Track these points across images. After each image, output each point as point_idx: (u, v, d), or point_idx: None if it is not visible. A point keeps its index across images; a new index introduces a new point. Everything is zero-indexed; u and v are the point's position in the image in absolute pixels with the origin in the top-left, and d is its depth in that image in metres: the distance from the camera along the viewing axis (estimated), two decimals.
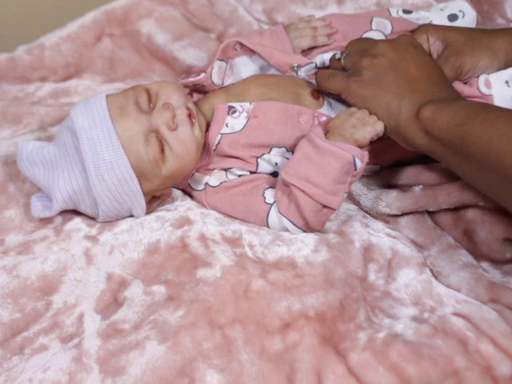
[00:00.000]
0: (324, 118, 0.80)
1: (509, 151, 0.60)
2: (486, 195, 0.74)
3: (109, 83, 1.03)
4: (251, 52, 0.85)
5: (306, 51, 0.89)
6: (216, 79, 0.83)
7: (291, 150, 0.79)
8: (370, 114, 0.74)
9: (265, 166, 0.80)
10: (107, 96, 0.76)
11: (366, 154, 0.73)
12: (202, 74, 0.82)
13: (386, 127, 0.73)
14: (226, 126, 0.79)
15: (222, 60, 0.84)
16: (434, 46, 0.81)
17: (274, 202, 0.77)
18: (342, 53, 0.79)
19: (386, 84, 0.73)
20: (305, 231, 0.76)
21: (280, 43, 0.86)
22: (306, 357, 0.63)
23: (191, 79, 0.83)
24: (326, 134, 0.74)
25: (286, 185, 0.74)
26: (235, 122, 0.79)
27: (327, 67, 0.83)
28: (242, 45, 0.84)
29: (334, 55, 0.80)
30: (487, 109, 0.66)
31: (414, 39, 0.79)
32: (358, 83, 0.74)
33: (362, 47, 0.78)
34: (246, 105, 0.80)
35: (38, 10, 1.28)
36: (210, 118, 0.81)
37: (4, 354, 0.65)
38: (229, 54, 0.85)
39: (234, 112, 0.80)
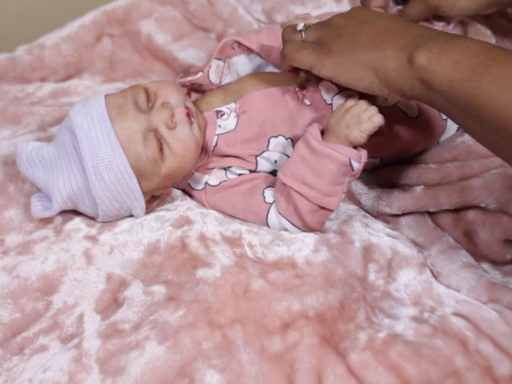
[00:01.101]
0: (305, 91, 0.79)
1: None
2: (488, 197, 0.74)
3: (109, 83, 1.03)
4: (249, 51, 0.85)
5: None
6: (214, 78, 0.83)
7: (289, 137, 0.79)
8: (352, 81, 0.68)
9: (264, 165, 0.80)
10: (106, 96, 0.76)
11: (363, 153, 0.72)
12: (200, 74, 0.82)
13: (375, 86, 0.67)
14: (220, 127, 0.80)
15: (219, 59, 0.84)
16: None
17: (274, 201, 0.77)
18: (304, 25, 0.74)
19: (360, 44, 0.67)
20: (304, 231, 0.76)
21: (277, 41, 0.86)
22: (306, 357, 0.63)
23: (189, 78, 0.83)
24: (323, 133, 0.74)
25: (284, 186, 0.74)
26: (227, 123, 0.80)
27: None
28: (239, 44, 0.84)
29: (294, 25, 0.75)
30: (496, 59, 0.57)
31: (367, 7, 0.75)
32: (331, 54, 0.69)
33: (320, 24, 0.74)
34: (232, 105, 0.81)
35: (38, 10, 1.28)
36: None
37: (4, 354, 0.65)
38: (227, 53, 0.85)
39: (223, 115, 0.80)
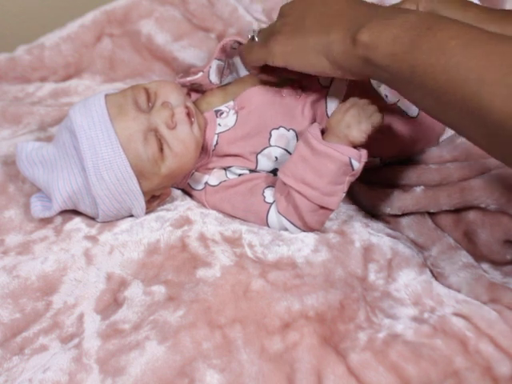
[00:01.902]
0: (303, 84, 0.79)
1: (469, 81, 0.52)
2: (488, 197, 0.74)
3: (109, 83, 1.03)
4: None
5: None
6: (214, 78, 0.83)
7: (290, 128, 0.79)
8: (306, 68, 0.69)
9: (265, 163, 0.80)
10: (106, 95, 0.76)
11: (363, 153, 0.72)
12: (200, 74, 0.82)
13: (329, 70, 0.67)
14: (219, 125, 0.80)
15: (219, 59, 0.84)
16: None
17: (274, 201, 0.77)
18: (254, 30, 0.75)
19: (306, 29, 0.67)
20: (304, 231, 0.76)
21: None
22: (306, 357, 0.63)
23: (188, 78, 0.83)
24: (323, 133, 0.74)
25: (284, 185, 0.74)
26: (227, 121, 0.80)
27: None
28: (239, 43, 0.84)
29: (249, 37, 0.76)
30: (433, 28, 0.57)
31: None
32: (278, 42, 0.69)
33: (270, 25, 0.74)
34: (230, 104, 0.81)
35: (38, 10, 1.28)
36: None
37: (4, 354, 0.65)
38: (227, 54, 0.85)
39: (222, 114, 0.80)
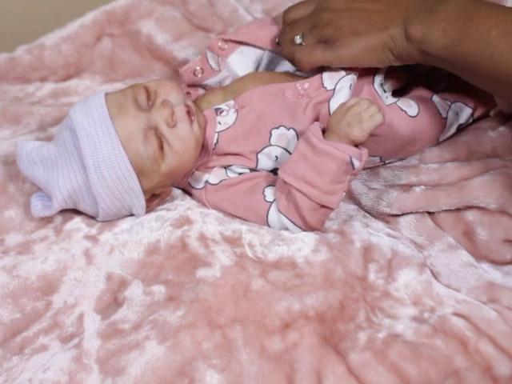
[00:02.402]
0: (307, 85, 0.79)
1: None
2: (488, 197, 0.74)
3: (109, 83, 1.03)
4: (239, 44, 0.86)
5: None
6: (213, 64, 0.84)
7: (290, 127, 0.78)
8: (374, 64, 0.75)
9: (265, 162, 0.80)
10: (106, 94, 0.76)
11: (364, 152, 0.72)
12: (199, 57, 0.83)
13: (393, 62, 0.73)
14: (219, 123, 0.80)
15: (211, 51, 0.85)
16: None
17: (274, 200, 0.77)
18: (300, 36, 0.78)
19: (365, 29, 0.73)
20: (304, 230, 0.76)
21: (267, 28, 0.86)
22: (306, 357, 0.63)
23: (189, 64, 0.84)
24: (324, 132, 0.74)
25: (285, 184, 0.74)
26: (227, 119, 0.80)
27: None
28: (226, 41, 0.85)
29: (290, 39, 0.79)
30: (474, 19, 0.65)
31: None
32: (342, 46, 0.74)
33: (310, 25, 0.78)
34: (231, 102, 0.81)
35: (38, 10, 1.28)
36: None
37: (4, 354, 0.65)
38: (220, 55, 0.85)
39: (222, 112, 0.80)
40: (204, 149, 0.80)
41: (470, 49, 0.65)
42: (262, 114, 0.79)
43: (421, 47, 0.69)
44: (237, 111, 0.80)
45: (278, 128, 0.79)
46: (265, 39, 0.85)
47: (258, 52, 0.87)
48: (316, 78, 0.79)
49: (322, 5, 0.77)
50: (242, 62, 0.86)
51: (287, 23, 0.82)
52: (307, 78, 0.81)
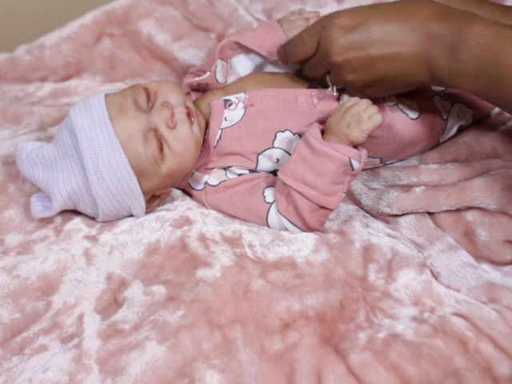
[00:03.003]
0: (322, 96, 0.79)
1: None
2: (488, 197, 0.74)
3: (109, 83, 1.03)
4: (248, 50, 0.85)
5: None
6: (220, 78, 0.83)
7: (296, 132, 0.78)
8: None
9: (265, 164, 0.80)
10: (106, 95, 0.76)
11: (363, 153, 0.72)
12: (208, 73, 0.82)
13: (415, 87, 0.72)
14: (225, 119, 0.80)
15: (222, 59, 0.84)
16: None
17: (274, 201, 0.77)
18: (332, 86, 0.77)
19: (383, 78, 0.71)
20: (304, 231, 0.76)
21: (275, 37, 0.86)
22: (306, 357, 0.63)
23: (196, 79, 0.83)
24: (324, 133, 0.74)
25: (284, 185, 0.74)
26: (233, 114, 0.80)
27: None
28: (238, 44, 0.84)
29: (327, 91, 0.78)
30: (503, 65, 0.61)
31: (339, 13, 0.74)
32: (374, 91, 0.73)
33: (320, 63, 0.74)
34: (241, 95, 0.80)
35: (38, 10, 1.28)
36: (209, 116, 0.81)
37: (4, 354, 0.65)
38: (226, 54, 0.85)
39: (231, 105, 0.80)
40: (205, 147, 0.80)
41: (505, 92, 0.62)
42: (269, 117, 0.79)
43: (451, 84, 0.67)
44: (245, 108, 0.80)
45: (283, 131, 0.79)
46: (271, 47, 0.84)
47: (264, 60, 0.87)
48: (333, 95, 0.79)
49: (327, 49, 0.71)
50: (245, 64, 0.86)
51: (292, 61, 0.79)
52: (308, 82, 0.82)
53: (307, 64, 0.77)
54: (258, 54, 0.85)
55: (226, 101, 0.80)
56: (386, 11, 0.69)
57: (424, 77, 0.68)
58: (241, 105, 0.80)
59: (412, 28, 0.67)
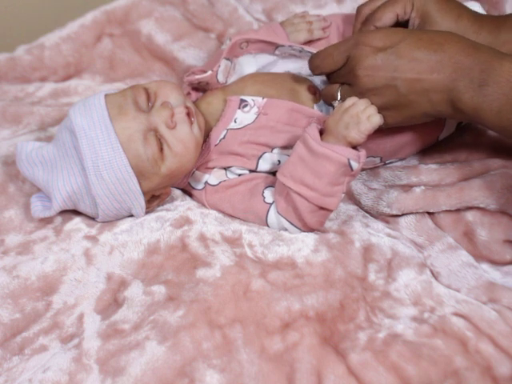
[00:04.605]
0: None
1: None
2: (488, 197, 0.74)
3: (109, 83, 1.03)
4: (256, 50, 0.85)
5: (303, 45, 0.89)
6: (221, 78, 0.83)
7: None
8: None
9: (265, 165, 0.80)
10: (106, 95, 0.76)
11: (362, 153, 0.71)
12: (209, 72, 0.82)
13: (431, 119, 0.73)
14: (235, 121, 0.79)
15: (227, 59, 0.84)
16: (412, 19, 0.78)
17: (273, 201, 0.77)
18: (339, 100, 0.76)
19: (407, 100, 0.70)
20: (304, 231, 0.76)
21: (277, 38, 0.86)
22: (306, 357, 0.63)
23: (197, 77, 0.83)
24: (322, 134, 0.74)
25: (283, 186, 0.74)
26: (244, 117, 0.79)
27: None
28: (248, 43, 0.84)
29: (331, 104, 0.77)
30: None
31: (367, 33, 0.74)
32: (388, 117, 0.73)
33: (344, 78, 0.74)
34: (259, 99, 0.80)
35: (38, 10, 1.28)
36: (209, 116, 0.81)
37: (4, 354, 0.66)
38: (235, 53, 0.85)
39: (245, 106, 0.80)
40: (206, 145, 0.80)
41: None
42: (276, 133, 0.79)
43: (471, 119, 0.68)
44: (258, 114, 0.79)
45: (282, 149, 0.79)
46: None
47: (270, 58, 0.87)
48: None
49: (356, 63, 0.72)
50: (250, 64, 0.86)
51: (316, 73, 0.78)
52: (309, 83, 0.82)
53: (329, 75, 0.77)
54: (265, 53, 0.85)
55: (242, 100, 0.80)
56: (417, 38, 0.70)
57: (444, 108, 0.69)
58: (255, 109, 0.80)
59: (441, 58, 0.68)
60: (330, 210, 0.74)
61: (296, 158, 0.73)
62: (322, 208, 0.73)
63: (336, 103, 0.76)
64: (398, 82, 0.70)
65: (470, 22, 0.76)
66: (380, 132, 0.75)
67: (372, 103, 0.72)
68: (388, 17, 0.78)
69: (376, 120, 0.70)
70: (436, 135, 0.85)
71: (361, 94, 0.72)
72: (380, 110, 0.72)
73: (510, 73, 0.65)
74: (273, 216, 0.77)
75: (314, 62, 0.77)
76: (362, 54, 0.71)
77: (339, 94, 0.75)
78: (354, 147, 0.72)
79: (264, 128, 0.79)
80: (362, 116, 0.70)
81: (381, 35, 0.72)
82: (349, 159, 0.70)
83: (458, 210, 0.77)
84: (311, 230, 0.76)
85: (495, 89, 0.65)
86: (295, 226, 0.76)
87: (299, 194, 0.73)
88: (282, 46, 0.84)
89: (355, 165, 0.71)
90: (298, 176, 0.73)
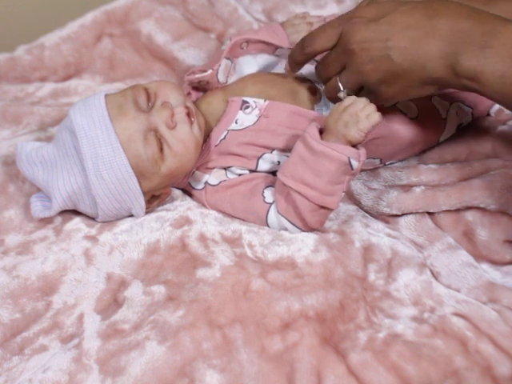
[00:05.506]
0: None
1: None
2: (488, 197, 0.74)
3: (109, 83, 1.03)
4: (256, 50, 0.85)
5: None
6: (221, 77, 0.83)
7: None
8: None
9: (264, 165, 0.80)
10: (106, 95, 0.76)
11: (362, 152, 0.72)
12: (210, 71, 0.82)
13: (434, 92, 0.70)
14: (236, 122, 0.79)
15: (228, 58, 0.84)
16: None
17: (273, 201, 0.77)
18: (343, 93, 0.74)
19: (401, 70, 0.67)
20: (304, 231, 0.76)
21: (277, 38, 0.86)
22: (305, 357, 0.63)
23: (197, 75, 0.83)
24: (322, 133, 0.74)
25: (284, 186, 0.74)
26: (245, 119, 0.79)
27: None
28: (248, 43, 0.84)
29: (337, 97, 0.75)
30: None
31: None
32: (383, 92, 0.70)
33: (337, 59, 0.72)
34: (260, 102, 0.80)
35: (38, 10, 1.28)
36: (209, 116, 0.81)
37: (4, 354, 0.65)
38: (235, 53, 0.85)
39: (247, 107, 0.80)
40: (206, 145, 0.80)
41: None
42: (276, 136, 0.79)
43: (471, 85, 0.64)
44: (259, 116, 0.79)
45: (281, 151, 0.79)
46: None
47: (270, 58, 0.87)
48: None
49: (348, 38, 0.70)
50: (249, 65, 0.86)
51: (311, 56, 0.76)
52: (309, 83, 0.82)
53: (323, 60, 0.75)
54: (265, 54, 0.85)
55: (243, 102, 0.80)
56: (412, 7, 0.68)
57: (442, 74, 0.66)
58: (256, 111, 0.79)
59: (436, 23, 0.65)
60: (331, 209, 0.74)
61: (296, 158, 0.73)
62: (322, 207, 0.73)
63: (341, 94, 0.74)
64: (391, 52, 0.67)
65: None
66: (380, 134, 0.75)
67: (372, 78, 0.70)
68: None
69: (375, 118, 0.70)
70: (437, 137, 0.85)
71: (359, 73, 0.70)
72: (379, 84, 0.70)
73: None
74: (273, 216, 0.77)
75: (306, 40, 0.75)
76: (355, 28, 0.69)
77: (340, 83, 0.73)
78: (354, 146, 0.72)
79: (265, 130, 0.79)
80: (361, 114, 0.70)
81: (373, 6, 0.70)
82: (349, 158, 0.70)
83: (457, 210, 0.77)
84: (311, 229, 0.76)
85: (499, 50, 0.62)
86: (295, 226, 0.76)
87: (300, 193, 0.73)
88: (282, 47, 0.85)
89: (355, 163, 0.71)
90: (298, 175, 0.73)
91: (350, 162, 0.71)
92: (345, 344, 0.64)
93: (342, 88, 0.73)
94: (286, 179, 0.73)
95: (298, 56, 0.77)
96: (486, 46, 0.63)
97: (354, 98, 0.72)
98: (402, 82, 0.69)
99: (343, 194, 0.74)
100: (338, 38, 0.71)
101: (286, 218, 0.75)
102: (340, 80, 0.73)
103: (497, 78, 0.62)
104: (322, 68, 0.75)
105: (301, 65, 0.78)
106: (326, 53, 0.75)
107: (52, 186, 0.75)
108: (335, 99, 0.75)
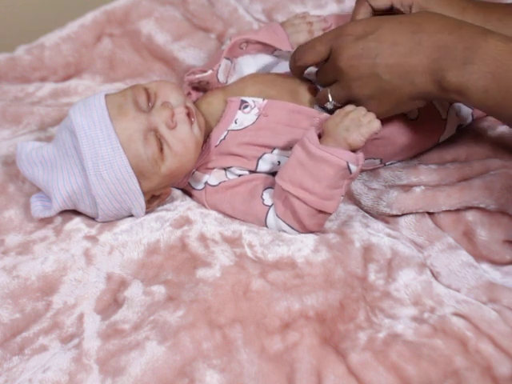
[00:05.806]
0: None
1: None
2: (488, 197, 0.74)
3: (109, 83, 1.03)
4: (256, 50, 0.85)
5: None
6: (221, 77, 0.83)
7: None
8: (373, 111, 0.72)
9: (264, 166, 0.80)
10: (106, 95, 0.76)
11: (360, 156, 0.72)
12: (210, 71, 0.82)
13: (423, 105, 0.71)
14: (235, 122, 0.79)
15: (227, 59, 0.84)
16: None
17: (272, 204, 0.77)
18: (331, 103, 0.76)
19: (390, 86, 0.69)
20: (302, 233, 0.76)
21: (277, 38, 0.86)
22: (305, 357, 0.63)
23: (198, 76, 0.83)
24: (321, 136, 0.74)
25: (282, 190, 0.74)
26: (245, 118, 0.79)
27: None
28: (247, 43, 0.84)
29: (325, 106, 0.77)
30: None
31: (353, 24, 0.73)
32: (372, 106, 0.72)
33: (328, 72, 0.74)
34: (259, 101, 0.80)
35: (38, 10, 1.28)
36: (209, 116, 0.81)
37: (4, 354, 0.66)
38: (234, 53, 0.85)
39: (246, 107, 0.80)
40: (206, 145, 0.80)
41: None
42: (277, 134, 0.79)
43: (457, 99, 0.66)
44: (258, 115, 0.79)
45: (282, 150, 0.79)
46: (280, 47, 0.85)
47: (270, 59, 0.87)
48: None
49: (337, 55, 0.71)
50: (249, 65, 0.86)
51: (304, 68, 0.79)
52: (310, 83, 0.82)
53: (320, 68, 0.77)
54: (265, 54, 0.86)
55: (242, 101, 0.80)
56: (397, 22, 0.70)
57: (430, 89, 0.67)
58: (255, 111, 0.79)
59: (419, 39, 0.67)
60: (329, 213, 0.74)
61: (295, 162, 0.73)
62: (320, 211, 0.73)
63: (328, 105, 0.76)
64: (379, 69, 0.69)
65: (476, 13, 0.75)
66: (381, 134, 0.75)
67: (360, 94, 0.71)
68: (384, 3, 0.77)
69: (375, 125, 0.71)
70: (437, 137, 0.85)
71: (348, 88, 0.72)
72: (368, 100, 0.71)
73: (496, 50, 0.63)
74: (272, 218, 0.76)
75: (297, 54, 0.77)
76: (343, 45, 0.71)
77: (329, 94, 0.75)
78: (353, 151, 0.72)
79: (264, 129, 0.79)
80: (364, 120, 0.71)
81: (362, 23, 0.71)
82: (348, 162, 0.70)
83: (457, 210, 0.77)
84: (310, 232, 0.76)
85: (481, 67, 0.63)
86: (294, 229, 0.75)
87: (298, 198, 0.72)
88: (280, 49, 0.85)
89: (354, 168, 0.71)
90: (296, 180, 0.72)
91: (348, 167, 0.71)
92: (345, 344, 0.64)
93: (330, 99, 0.75)
94: (284, 184, 0.73)
95: (292, 67, 0.80)
96: (467, 62, 0.64)
97: (353, 106, 0.73)
98: (391, 97, 0.71)
99: (342, 197, 0.74)
100: (329, 53, 0.73)
101: (284, 222, 0.75)
102: (330, 91, 0.75)
103: (481, 93, 0.64)
104: (319, 75, 0.78)
105: (298, 74, 0.81)
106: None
107: (52, 185, 0.75)
108: (324, 107, 0.78)
